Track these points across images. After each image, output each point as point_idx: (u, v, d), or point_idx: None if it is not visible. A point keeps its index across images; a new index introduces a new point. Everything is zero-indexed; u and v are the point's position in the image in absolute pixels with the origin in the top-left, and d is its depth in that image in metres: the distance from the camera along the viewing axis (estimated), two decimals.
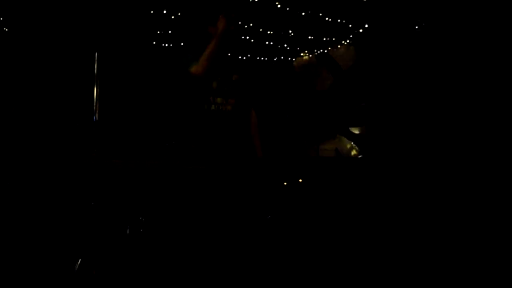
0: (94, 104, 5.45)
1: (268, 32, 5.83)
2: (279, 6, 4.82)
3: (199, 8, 4.86)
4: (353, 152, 5.65)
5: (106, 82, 5.68)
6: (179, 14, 5.02)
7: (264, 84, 6.80)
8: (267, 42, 6.30)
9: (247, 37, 5.96)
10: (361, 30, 5.69)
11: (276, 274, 2.86)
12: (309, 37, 6.12)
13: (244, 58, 6.61)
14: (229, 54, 2.93)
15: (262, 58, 7.00)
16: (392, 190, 4.16)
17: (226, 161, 2.63)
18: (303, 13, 5.07)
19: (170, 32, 5.63)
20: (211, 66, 2.58)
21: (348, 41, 6.29)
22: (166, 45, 6.18)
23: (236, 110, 2.78)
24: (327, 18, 5.27)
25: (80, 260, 2.62)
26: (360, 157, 4.58)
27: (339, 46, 6.50)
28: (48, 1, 4.66)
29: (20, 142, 5.55)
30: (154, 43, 6.03)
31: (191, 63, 2.62)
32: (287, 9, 4.93)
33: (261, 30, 5.70)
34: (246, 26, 5.40)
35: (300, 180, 4.41)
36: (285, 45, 6.55)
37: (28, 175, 4.29)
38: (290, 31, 5.84)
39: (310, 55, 7.21)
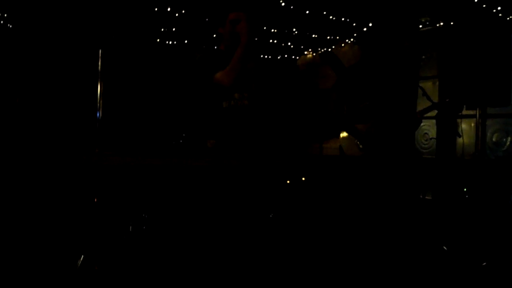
0: (98, 101, 5.47)
1: (272, 30, 5.82)
2: (283, 4, 4.82)
3: (203, 6, 4.87)
4: (358, 150, 5.64)
5: (109, 79, 5.69)
6: (183, 11, 5.02)
7: (268, 83, 6.79)
8: (270, 40, 6.29)
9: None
10: (365, 29, 5.68)
11: (278, 273, 2.86)
12: (313, 36, 6.11)
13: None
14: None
15: (265, 56, 7.00)
16: (395, 189, 4.15)
17: (227, 159, 2.62)
18: (307, 11, 5.07)
19: (174, 29, 5.64)
20: (237, 75, 2.56)
21: (352, 39, 6.28)
22: (170, 42, 6.19)
23: (253, 102, 2.74)
24: (331, 17, 5.26)
25: (82, 256, 2.63)
26: (364, 155, 4.58)
27: (343, 45, 6.49)
28: None
29: (23, 138, 5.57)
30: (158, 40, 6.04)
31: (216, 69, 2.56)
32: (291, 7, 4.92)
33: (264, 28, 5.70)
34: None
35: (303, 179, 4.41)
36: (289, 44, 6.55)
37: (31, 171, 4.31)
38: (294, 30, 5.83)
39: (314, 54, 7.20)
